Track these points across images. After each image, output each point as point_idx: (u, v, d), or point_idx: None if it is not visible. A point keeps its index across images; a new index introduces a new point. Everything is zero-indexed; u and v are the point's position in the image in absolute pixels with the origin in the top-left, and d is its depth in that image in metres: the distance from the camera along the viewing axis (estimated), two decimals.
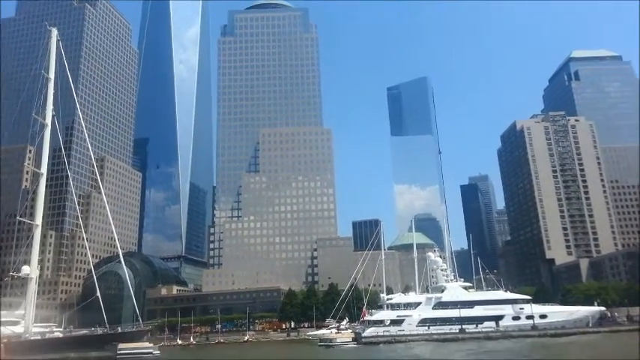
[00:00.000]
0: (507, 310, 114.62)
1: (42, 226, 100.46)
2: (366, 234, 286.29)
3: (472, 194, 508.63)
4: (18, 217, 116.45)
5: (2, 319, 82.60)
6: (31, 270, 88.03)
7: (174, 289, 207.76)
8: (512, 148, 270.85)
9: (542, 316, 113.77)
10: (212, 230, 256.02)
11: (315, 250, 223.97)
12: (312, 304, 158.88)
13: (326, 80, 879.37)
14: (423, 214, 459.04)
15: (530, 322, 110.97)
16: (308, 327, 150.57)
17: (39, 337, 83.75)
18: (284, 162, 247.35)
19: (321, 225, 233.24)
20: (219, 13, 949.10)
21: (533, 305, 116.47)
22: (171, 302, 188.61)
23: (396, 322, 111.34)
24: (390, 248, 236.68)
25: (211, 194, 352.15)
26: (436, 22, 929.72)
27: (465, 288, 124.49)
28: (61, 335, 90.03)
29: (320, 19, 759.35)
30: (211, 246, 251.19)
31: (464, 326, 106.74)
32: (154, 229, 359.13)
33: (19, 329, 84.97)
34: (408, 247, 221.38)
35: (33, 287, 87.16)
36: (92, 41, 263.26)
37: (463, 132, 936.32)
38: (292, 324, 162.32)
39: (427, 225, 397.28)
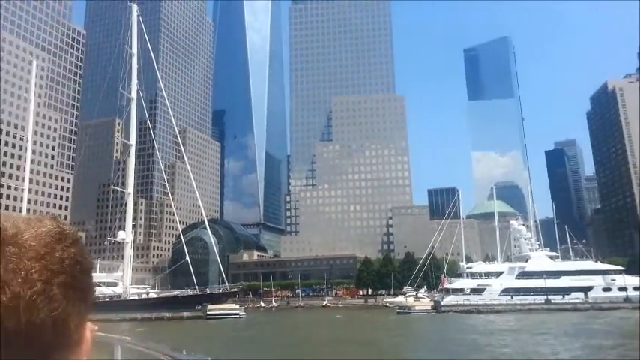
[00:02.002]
0: (597, 281, 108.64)
1: (133, 194, 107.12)
2: (441, 202, 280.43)
3: (558, 160, 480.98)
4: (112, 187, 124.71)
5: (103, 281, 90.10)
6: (126, 235, 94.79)
7: (255, 255, 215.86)
8: (603, 111, 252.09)
9: (637, 289, 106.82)
10: (288, 199, 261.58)
11: (391, 218, 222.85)
12: (389, 272, 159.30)
13: (398, 45, 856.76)
14: (502, 182, 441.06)
15: (623, 293, 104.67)
16: (385, 294, 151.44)
17: (136, 297, 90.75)
18: (357, 130, 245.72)
19: (395, 193, 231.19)
20: None
21: (625, 276, 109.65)
22: (252, 267, 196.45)
23: (476, 291, 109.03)
24: (468, 217, 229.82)
25: (286, 163, 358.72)
26: None
27: (551, 257, 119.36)
28: (155, 295, 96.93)
29: None
30: (288, 214, 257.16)
31: (549, 297, 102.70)
32: (233, 197, 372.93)
33: (118, 289, 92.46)
34: (486, 216, 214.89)
35: (129, 251, 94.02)
36: (170, 15, 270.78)
37: (548, 94, 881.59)
38: (369, 291, 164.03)
39: (507, 193, 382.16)
